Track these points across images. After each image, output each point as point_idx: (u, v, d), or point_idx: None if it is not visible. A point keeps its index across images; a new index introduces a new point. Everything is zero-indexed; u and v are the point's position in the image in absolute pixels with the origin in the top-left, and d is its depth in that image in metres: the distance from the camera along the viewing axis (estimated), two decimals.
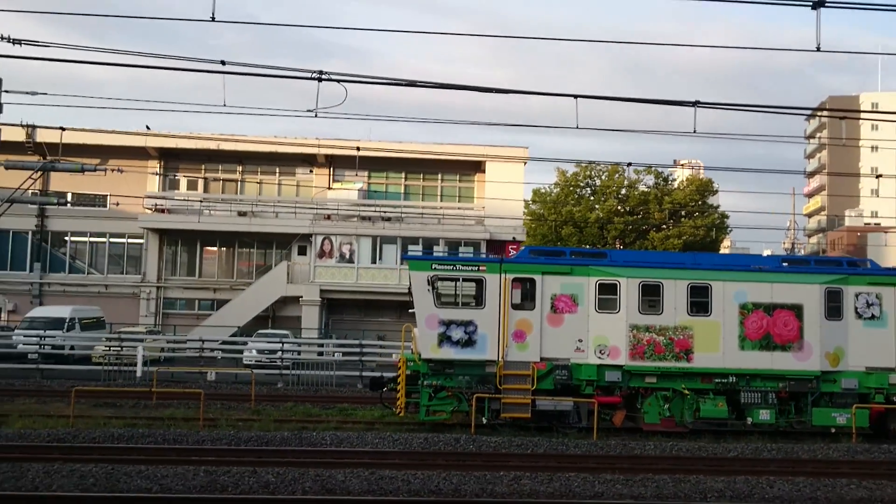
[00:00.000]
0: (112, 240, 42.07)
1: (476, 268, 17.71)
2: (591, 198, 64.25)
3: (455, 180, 44.26)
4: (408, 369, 17.70)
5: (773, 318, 17.36)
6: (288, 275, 40.47)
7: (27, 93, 17.76)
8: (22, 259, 41.56)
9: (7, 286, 41.02)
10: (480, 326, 17.44)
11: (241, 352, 31.28)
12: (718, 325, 17.38)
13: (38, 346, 27.72)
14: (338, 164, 43.23)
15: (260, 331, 34.85)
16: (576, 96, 13.82)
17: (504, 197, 41.00)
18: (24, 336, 28.71)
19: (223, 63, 13.16)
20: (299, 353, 28.42)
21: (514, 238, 41.72)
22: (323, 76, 13.27)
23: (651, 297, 17.51)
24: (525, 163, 42.59)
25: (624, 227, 60.52)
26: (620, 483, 12.54)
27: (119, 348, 27.23)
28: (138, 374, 25.79)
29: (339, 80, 13.47)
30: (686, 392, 17.39)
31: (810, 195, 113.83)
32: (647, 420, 17.57)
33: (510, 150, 41.95)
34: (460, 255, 40.04)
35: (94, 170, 26.64)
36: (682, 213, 63.34)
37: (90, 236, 41.94)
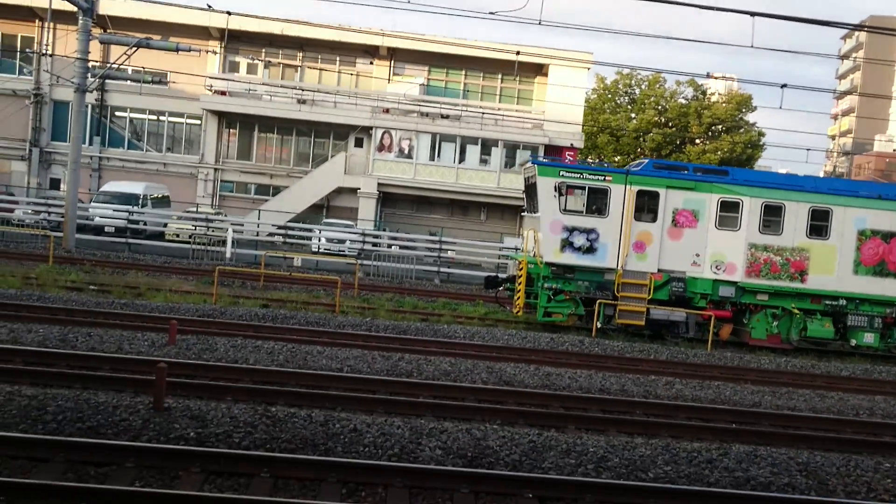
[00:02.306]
0: (171, 119, 42.06)
1: (602, 177, 18.03)
2: (630, 107, 64.01)
3: (515, 82, 43.88)
4: (528, 272, 18.26)
5: (889, 245, 17.86)
6: (345, 166, 40.78)
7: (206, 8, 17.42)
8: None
9: (67, 158, 41.23)
10: (602, 235, 17.92)
11: (309, 239, 31.96)
12: (835, 249, 17.89)
13: (127, 222, 28.19)
14: (399, 57, 42.81)
15: (326, 219, 35.40)
16: (752, 14, 13.86)
17: (565, 102, 40.91)
18: (112, 210, 29.15)
19: None
20: (390, 245, 29.05)
21: (571, 144, 41.78)
22: None
23: (772, 217, 17.94)
24: (588, 68, 42.19)
25: (662, 138, 60.63)
26: (768, 394, 13.27)
27: (206, 228, 27.77)
28: (227, 255, 26.42)
29: None
30: (796, 311, 18.04)
31: (837, 117, 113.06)
32: (753, 335, 18.29)
33: (574, 55, 41.46)
34: (527, 158, 40.28)
35: (189, 50, 26.59)
36: (720, 128, 63.39)
37: (149, 114, 41.91)
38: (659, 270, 18.02)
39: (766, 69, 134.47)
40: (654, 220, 18.00)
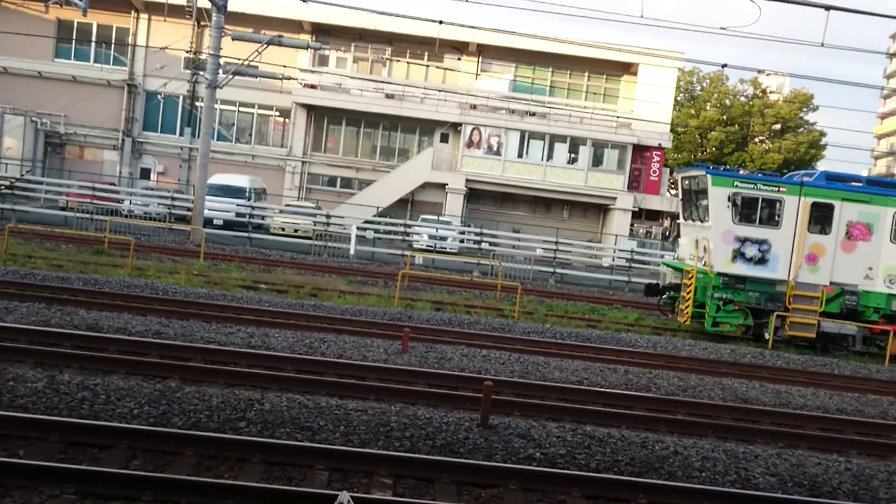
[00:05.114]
0: (260, 111, 42.28)
1: (776, 188, 17.92)
2: (690, 104, 63.68)
3: (601, 80, 43.69)
4: (698, 282, 18.21)
5: None
6: (432, 161, 40.84)
7: None
8: (172, 123, 41.96)
9: (158, 149, 41.68)
10: (774, 246, 17.83)
11: (408, 234, 31.97)
12: None
13: (249, 217, 28.41)
14: (486, 53, 42.76)
15: (424, 216, 35.48)
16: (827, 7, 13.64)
17: (654, 101, 40.70)
18: (229, 203, 29.42)
19: None
20: (479, 243, 29.11)
21: (659, 144, 41.64)
22: None
23: None
24: (679, 68, 41.92)
25: (725, 137, 60.36)
26: None
27: (326, 224, 27.90)
28: (351, 251, 26.56)
29: None
30: None
31: (884, 117, 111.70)
32: None
33: (664, 54, 41.25)
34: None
35: (319, 48, 26.72)
36: (780, 127, 63.00)
37: (239, 106, 42.13)
38: (831, 283, 17.91)
39: (801, 67, 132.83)
40: (827, 232, 17.89)
